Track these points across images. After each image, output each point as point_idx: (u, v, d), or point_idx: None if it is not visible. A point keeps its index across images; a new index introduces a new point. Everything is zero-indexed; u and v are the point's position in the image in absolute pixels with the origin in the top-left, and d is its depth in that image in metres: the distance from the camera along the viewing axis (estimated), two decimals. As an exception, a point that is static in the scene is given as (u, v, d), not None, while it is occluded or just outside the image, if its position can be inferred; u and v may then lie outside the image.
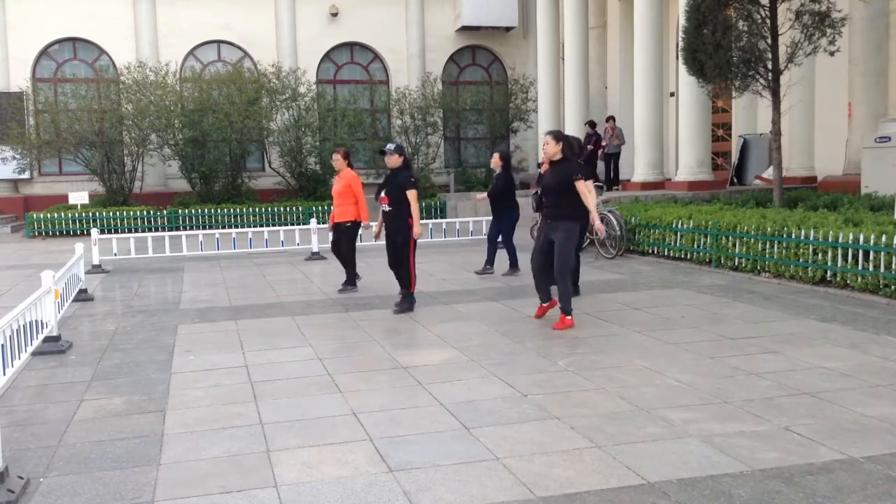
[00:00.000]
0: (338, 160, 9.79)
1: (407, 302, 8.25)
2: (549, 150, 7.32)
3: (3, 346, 5.24)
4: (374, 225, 8.81)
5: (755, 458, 4.01)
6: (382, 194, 8.22)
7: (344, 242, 9.70)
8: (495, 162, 10.66)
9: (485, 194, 10.90)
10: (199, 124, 20.62)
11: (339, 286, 9.83)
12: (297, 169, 22.02)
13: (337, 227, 9.74)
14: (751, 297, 8.61)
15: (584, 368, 5.83)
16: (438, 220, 16.29)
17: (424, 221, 15.67)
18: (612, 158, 18.36)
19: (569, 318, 7.21)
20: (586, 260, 11.90)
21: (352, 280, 9.77)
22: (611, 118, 18.84)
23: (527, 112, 23.96)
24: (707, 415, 4.71)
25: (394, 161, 8.18)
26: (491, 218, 11.12)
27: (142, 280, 11.41)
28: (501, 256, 10.84)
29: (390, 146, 8.30)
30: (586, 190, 7.21)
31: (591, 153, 17.69)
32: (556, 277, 7.25)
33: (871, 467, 3.87)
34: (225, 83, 21.24)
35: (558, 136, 7.40)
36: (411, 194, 8.05)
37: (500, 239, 10.81)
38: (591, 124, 18.68)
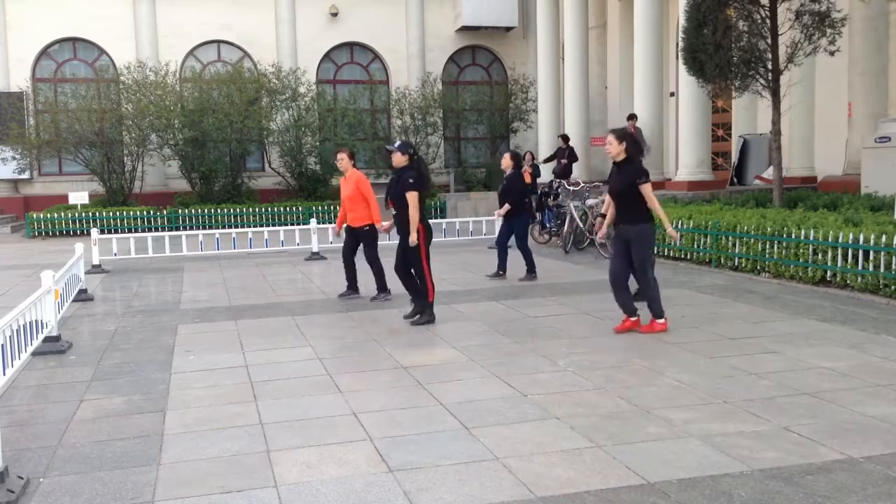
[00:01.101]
0: (343, 160, 9.09)
1: (427, 314, 7.60)
2: (612, 150, 6.84)
3: (3, 346, 5.24)
4: (386, 223, 8.38)
5: (755, 458, 4.01)
6: (389, 197, 7.69)
7: (366, 249, 9.02)
8: (505, 163, 10.37)
9: (504, 209, 10.23)
10: (199, 124, 20.62)
11: (342, 290, 9.33)
12: (297, 169, 22.02)
13: (352, 232, 9.10)
14: (751, 297, 8.61)
15: (584, 368, 5.83)
16: (438, 220, 16.30)
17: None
18: None
19: (660, 321, 6.90)
20: (586, 260, 11.92)
21: (382, 287, 9.02)
22: (632, 116, 17.63)
23: (527, 112, 23.97)
24: (707, 415, 4.71)
25: (398, 160, 7.57)
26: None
27: (142, 280, 11.41)
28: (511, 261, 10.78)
29: (394, 143, 7.75)
30: (651, 194, 6.79)
31: (565, 168, 17.51)
32: (639, 281, 6.94)
33: (871, 467, 3.87)
34: (225, 83, 21.26)
35: (622, 135, 6.89)
36: (409, 196, 7.42)
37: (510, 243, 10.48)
38: (565, 138, 18.58)
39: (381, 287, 9.03)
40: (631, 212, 6.87)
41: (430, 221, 7.92)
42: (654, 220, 6.98)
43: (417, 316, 7.67)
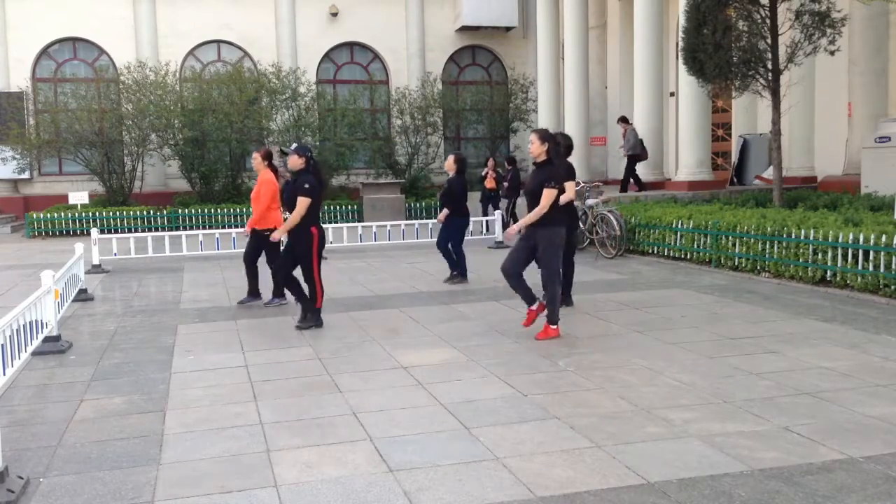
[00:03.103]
0: (256, 160, 8.86)
1: (313, 318, 7.63)
2: (533, 150, 6.80)
3: (3, 346, 5.24)
4: (277, 233, 8.07)
5: (755, 458, 4.01)
6: (285, 199, 7.62)
7: (267, 252, 8.82)
8: (448, 165, 10.28)
9: (443, 214, 10.25)
10: (199, 124, 20.62)
11: (243, 297, 9.13)
12: (298, 169, 22.00)
13: (255, 235, 8.80)
14: (751, 297, 8.61)
15: (584, 368, 5.83)
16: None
17: (424, 221, 15.67)
18: (628, 161, 16.74)
19: (553, 328, 6.83)
20: (586, 260, 11.91)
21: (280, 292, 8.95)
22: (624, 119, 17.15)
23: (527, 112, 23.96)
24: (707, 415, 4.71)
25: (293, 162, 7.53)
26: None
27: (142, 280, 11.41)
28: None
29: (290, 146, 7.62)
30: (549, 201, 6.61)
31: (508, 190, 17.17)
32: (544, 286, 6.85)
33: (871, 467, 3.87)
34: (225, 83, 21.25)
35: (544, 135, 6.82)
36: (300, 202, 7.36)
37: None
38: (509, 160, 18.44)
39: (278, 292, 8.95)
40: (542, 215, 6.72)
41: (429, 221, 7.91)
42: (563, 225, 6.87)
43: (303, 320, 7.66)
